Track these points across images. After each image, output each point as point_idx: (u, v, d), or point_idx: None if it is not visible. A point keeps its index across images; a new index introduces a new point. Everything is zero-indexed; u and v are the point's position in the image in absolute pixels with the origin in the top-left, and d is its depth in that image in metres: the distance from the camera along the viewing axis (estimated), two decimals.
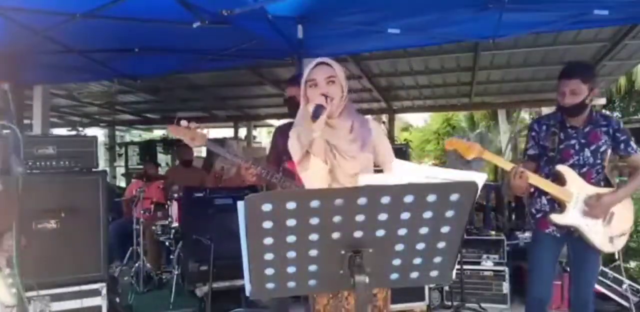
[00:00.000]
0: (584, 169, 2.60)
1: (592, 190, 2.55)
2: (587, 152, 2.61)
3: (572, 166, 2.59)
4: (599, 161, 2.61)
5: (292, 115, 2.93)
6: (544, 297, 2.70)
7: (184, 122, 2.41)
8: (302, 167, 1.91)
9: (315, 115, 1.81)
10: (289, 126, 2.95)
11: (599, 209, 2.51)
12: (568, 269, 3.96)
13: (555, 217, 2.55)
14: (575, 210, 2.53)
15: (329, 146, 1.91)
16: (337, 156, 1.91)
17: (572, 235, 2.61)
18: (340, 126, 1.94)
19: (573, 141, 2.63)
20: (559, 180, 2.56)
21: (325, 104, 1.84)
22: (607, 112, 14.09)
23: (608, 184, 2.65)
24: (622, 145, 2.59)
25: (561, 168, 2.58)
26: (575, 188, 2.54)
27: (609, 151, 2.64)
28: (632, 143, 2.58)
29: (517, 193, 2.70)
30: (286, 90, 2.93)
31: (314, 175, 1.89)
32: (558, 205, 2.61)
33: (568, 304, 3.77)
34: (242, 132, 12.04)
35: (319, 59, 1.95)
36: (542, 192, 2.66)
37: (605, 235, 2.55)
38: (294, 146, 1.95)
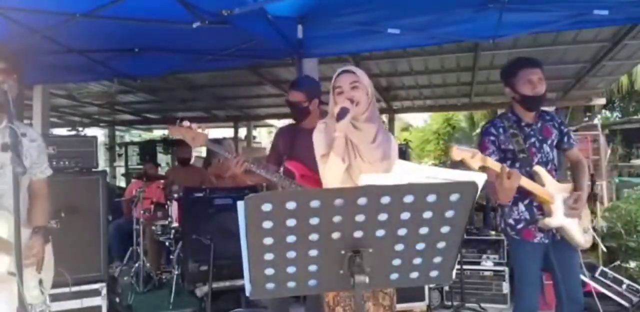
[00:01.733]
0: (549, 166, 2.55)
1: (563, 188, 2.53)
2: (547, 148, 2.57)
3: (542, 163, 2.54)
4: (553, 156, 2.60)
5: (295, 119, 2.95)
6: (534, 308, 2.62)
7: (185, 123, 2.46)
8: (322, 161, 2.03)
9: (340, 117, 1.93)
10: (289, 128, 2.98)
11: (581, 208, 2.51)
12: None
13: (548, 221, 2.47)
14: (559, 211, 2.48)
15: (351, 146, 2.02)
16: (357, 157, 2.02)
17: (554, 238, 2.56)
18: (366, 130, 2.05)
19: (533, 139, 2.57)
20: (537, 181, 2.47)
21: (350, 107, 1.96)
22: (607, 112, 14.11)
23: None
24: (566, 138, 2.61)
25: (538, 169, 2.49)
26: (553, 188, 2.48)
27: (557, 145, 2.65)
28: (572, 135, 2.63)
29: (504, 200, 2.48)
30: (289, 94, 2.91)
31: (330, 171, 1.99)
32: (538, 209, 2.53)
33: None
34: (242, 132, 12.03)
35: (343, 68, 2.09)
36: (517, 199, 2.55)
37: (581, 231, 2.55)
38: (318, 139, 2.08)
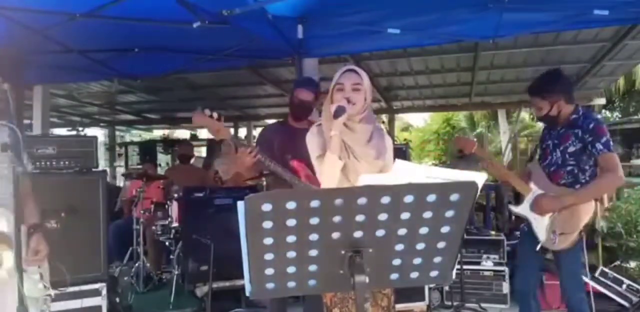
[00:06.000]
0: (552, 169, 2.74)
1: (553, 188, 2.68)
2: (558, 153, 2.72)
3: (547, 165, 2.77)
4: (571, 162, 2.65)
5: (299, 118, 2.94)
6: (525, 290, 2.89)
7: (207, 111, 2.37)
8: (318, 162, 2.03)
9: (336, 115, 1.93)
10: (282, 127, 3.00)
11: (538, 208, 2.69)
12: None
13: (513, 207, 2.90)
14: (527, 204, 2.76)
15: (345, 147, 2.02)
16: (351, 158, 2.01)
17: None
18: (361, 131, 2.05)
19: (549, 142, 2.81)
20: (529, 176, 2.81)
21: (347, 106, 1.96)
22: (607, 112, 14.09)
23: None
24: (589, 147, 2.60)
25: (530, 166, 2.88)
26: (536, 185, 2.75)
27: (582, 153, 2.65)
28: (599, 145, 2.55)
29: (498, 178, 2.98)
30: (298, 92, 2.89)
31: (327, 170, 1.99)
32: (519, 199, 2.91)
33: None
34: (242, 132, 12.03)
35: (348, 67, 2.10)
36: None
37: (549, 230, 2.66)
38: (313, 141, 2.08)
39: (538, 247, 2.69)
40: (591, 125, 2.58)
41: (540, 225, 2.68)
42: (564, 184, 2.66)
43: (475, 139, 3.06)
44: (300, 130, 2.91)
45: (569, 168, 2.67)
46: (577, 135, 2.64)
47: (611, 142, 2.58)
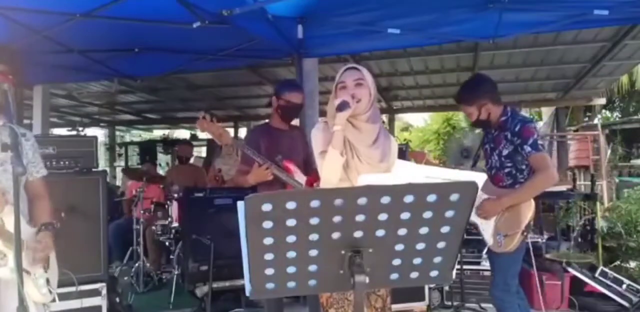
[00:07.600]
0: (493, 172, 2.77)
1: (496, 192, 2.68)
2: (495, 156, 2.76)
3: (488, 169, 2.81)
4: (509, 164, 2.68)
5: (289, 120, 3.00)
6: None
7: (207, 117, 2.48)
8: (321, 158, 2.00)
9: (339, 109, 1.90)
10: (267, 129, 3.05)
11: (482, 213, 2.68)
12: (569, 269, 3.97)
13: None
14: (474, 209, 2.68)
15: (349, 146, 1.99)
16: (354, 157, 1.98)
17: None
18: (366, 131, 2.01)
19: (486, 146, 2.87)
20: None
21: (351, 102, 1.93)
22: (607, 112, 14.08)
23: None
24: (518, 149, 2.62)
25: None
26: (481, 190, 2.67)
27: (515, 154, 2.67)
28: (527, 147, 2.57)
29: None
30: (290, 95, 2.90)
31: (328, 165, 1.95)
32: None
33: (568, 304, 3.78)
34: (242, 132, 12.03)
35: (348, 65, 2.09)
36: None
37: (492, 233, 2.67)
38: (317, 137, 2.04)
39: (485, 251, 2.70)
40: (517, 128, 2.61)
41: (487, 229, 2.69)
42: (505, 186, 2.69)
43: (427, 152, 3.17)
44: (285, 131, 2.97)
45: (507, 170, 2.70)
46: (507, 138, 2.67)
47: (539, 142, 2.60)
